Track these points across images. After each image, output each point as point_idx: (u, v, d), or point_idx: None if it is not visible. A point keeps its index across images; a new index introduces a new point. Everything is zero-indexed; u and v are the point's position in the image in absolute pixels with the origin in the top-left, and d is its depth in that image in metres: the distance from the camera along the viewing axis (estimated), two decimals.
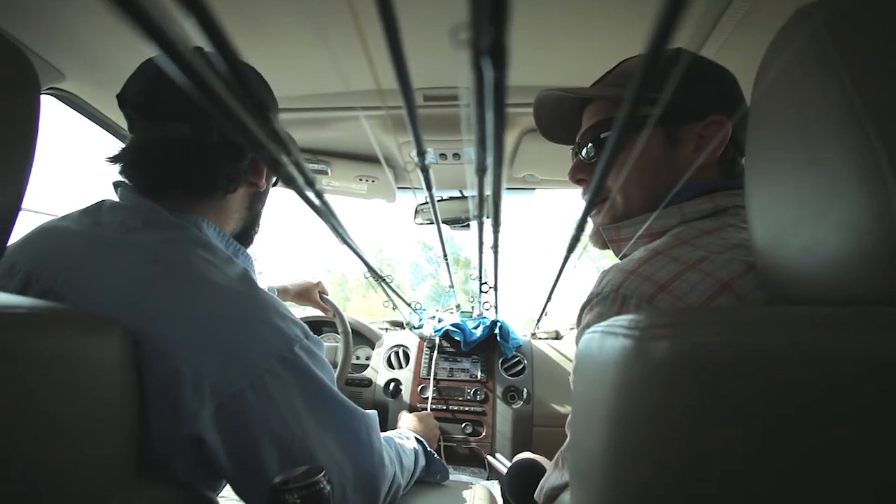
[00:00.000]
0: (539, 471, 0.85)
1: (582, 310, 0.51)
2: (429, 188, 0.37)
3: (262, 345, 0.52)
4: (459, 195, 1.43)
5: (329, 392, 0.57)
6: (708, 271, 0.43)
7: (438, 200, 1.08)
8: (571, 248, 0.47)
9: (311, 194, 0.28)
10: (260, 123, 0.20)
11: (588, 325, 0.48)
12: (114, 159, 0.61)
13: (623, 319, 0.30)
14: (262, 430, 0.51)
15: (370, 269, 0.70)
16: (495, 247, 0.48)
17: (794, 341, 0.25)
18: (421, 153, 0.31)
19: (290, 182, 0.26)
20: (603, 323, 0.32)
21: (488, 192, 0.36)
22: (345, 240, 0.44)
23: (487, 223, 0.46)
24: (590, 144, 0.62)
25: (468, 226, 1.48)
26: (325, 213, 0.33)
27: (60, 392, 0.39)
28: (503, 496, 1.00)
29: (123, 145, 0.62)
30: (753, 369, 0.24)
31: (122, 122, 1.04)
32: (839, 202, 0.28)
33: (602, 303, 0.47)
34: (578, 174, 0.65)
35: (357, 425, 0.61)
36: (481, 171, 0.26)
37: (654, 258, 0.47)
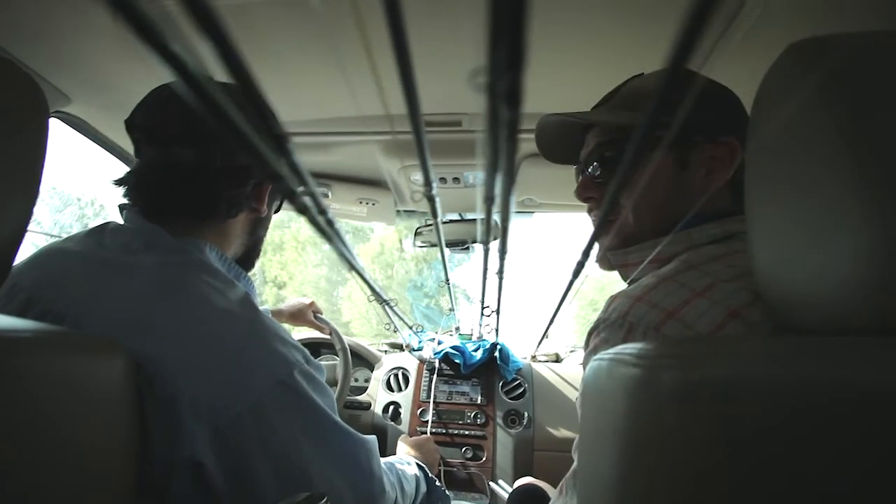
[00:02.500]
0: (542, 497, 0.83)
1: (589, 335, 0.51)
2: (434, 216, 0.38)
3: (261, 369, 0.52)
4: (459, 218, 1.44)
5: (328, 418, 0.56)
6: (716, 300, 0.42)
7: (443, 222, 1.08)
8: (579, 270, 0.47)
9: (321, 222, 0.29)
10: (277, 153, 0.20)
11: (595, 350, 0.47)
12: (119, 182, 0.62)
13: (631, 348, 0.30)
14: (260, 456, 0.51)
15: (375, 293, 0.70)
16: (500, 272, 0.48)
17: (807, 372, 0.25)
18: (428, 183, 0.32)
19: (303, 211, 0.26)
20: (611, 350, 0.32)
21: (494, 217, 0.37)
22: (352, 265, 0.45)
23: (490, 247, 0.46)
24: (595, 164, 0.62)
25: (468, 248, 1.49)
26: (334, 239, 0.33)
27: (61, 415, 0.39)
28: None
29: (128, 168, 0.63)
30: (766, 400, 0.24)
31: (127, 146, 1.06)
32: (842, 230, 0.29)
33: (609, 329, 0.47)
34: (586, 192, 0.64)
35: (357, 451, 0.60)
36: (489, 199, 0.26)
37: (661, 284, 0.46)
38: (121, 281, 0.53)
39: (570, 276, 0.61)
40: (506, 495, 1.00)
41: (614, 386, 0.30)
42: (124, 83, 0.87)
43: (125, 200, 0.62)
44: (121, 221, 0.62)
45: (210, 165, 0.60)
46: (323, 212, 0.27)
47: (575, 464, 0.55)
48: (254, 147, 0.20)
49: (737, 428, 0.24)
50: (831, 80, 0.29)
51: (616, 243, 0.60)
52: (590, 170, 0.62)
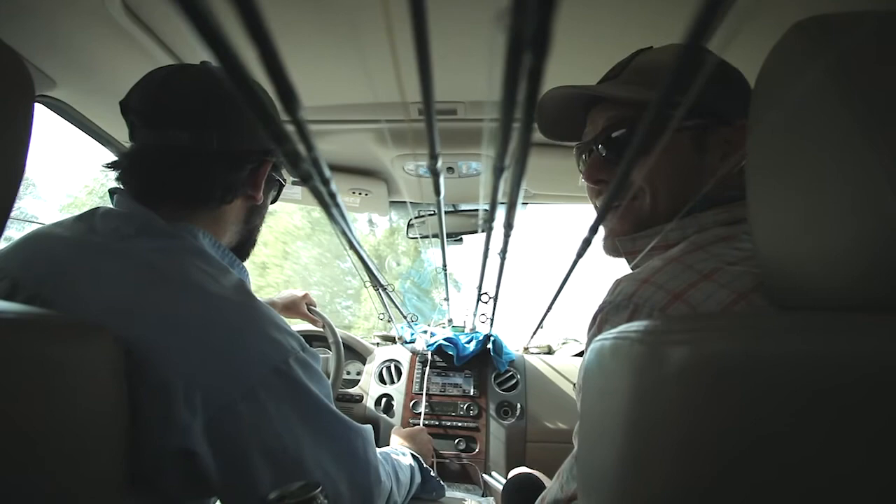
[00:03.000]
0: (537, 485, 0.83)
1: (594, 319, 0.50)
2: (437, 193, 0.37)
3: (256, 356, 0.51)
4: (453, 209, 1.43)
5: (324, 406, 0.56)
6: (722, 283, 0.42)
7: (447, 212, 1.08)
8: (581, 254, 0.47)
9: (324, 192, 0.28)
10: (287, 115, 0.19)
11: (599, 332, 0.47)
12: (112, 166, 0.61)
13: (635, 325, 0.30)
14: (254, 444, 0.50)
15: (372, 276, 0.69)
16: (504, 252, 0.48)
17: (816, 347, 0.25)
18: (434, 156, 0.31)
19: (307, 179, 0.25)
20: (614, 330, 0.32)
21: (482, 210, 0.36)
22: (352, 244, 0.44)
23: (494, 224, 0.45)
24: (606, 143, 0.58)
25: (461, 240, 1.48)
26: (335, 214, 0.32)
27: (46, 401, 0.37)
28: None
29: (112, 154, 0.62)
30: (775, 375, 0.24)
31: (112, 132, 1.04)
32: (847, 210, 0.28)
33: (615, 311, 0.46)
34: (598, 174, 0.60)
35: (353, 439, 0.59)
36: (499, 170, 0.25)
37: (667, 266, 0.46)
38: (111, 266, 0.51)
39: (568, 266, 0.61)
40: (500, 487, 1.00)
41: (619, 364, 0.30)
42: (112, 67, 0.85)
43: (116, 184, 0.61)
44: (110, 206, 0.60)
45: (206, 149, 0.59)
46: (326, 182, 0.26)
47: (571, 454, 0.54)
48: (261, 102, 0.19)
49: (745, 403, 0.24)
50: (837, 60, 0.29)
51: (627, 228, 0.59)
52: (599, 149, 0.59)
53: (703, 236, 0.49)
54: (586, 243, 0.39)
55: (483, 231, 0.43)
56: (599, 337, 0.34)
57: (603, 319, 0.48)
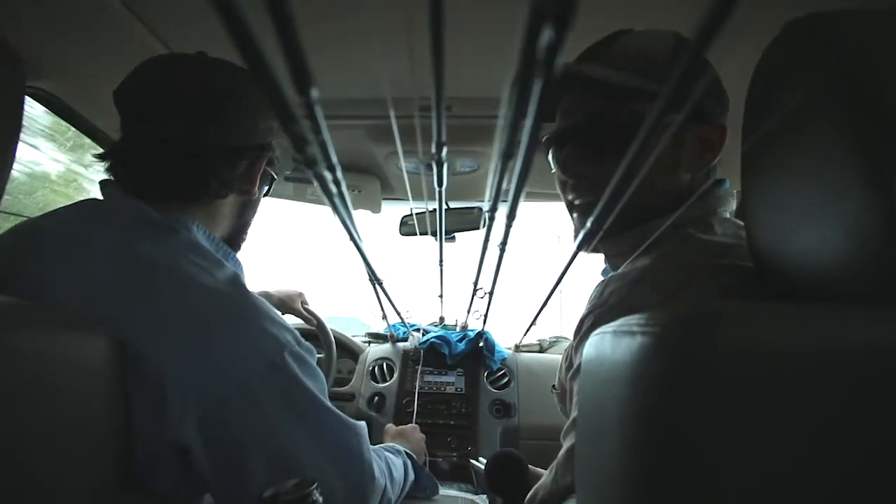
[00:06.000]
0: (518, 459, 0.83)
1: (582, 321, 0.50)
2: (440, 183, 0.37)
3: (250, 350, 0.51)
4: (447, 207, 1.42)
5: (319, 401, 0.55)
6: (713, 278, 0.43)
7: (430, 211, 1.07)
8: (574, 256, 0.47)
9: (328, 178, 0.27)
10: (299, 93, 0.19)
11: (588, 334, 0.47)
12: (103, 157, 0.60)
13: (637, 317, 0.29)
14: (248, 439, 0.49)
15: (369, 268, 0.68)
16: (503, 244, 0.48)
17: (824, 336, 0.25)
18: (439, 144, 0.30)
19: (312, 164, 0.25)
20: (613, 324, 0.32)
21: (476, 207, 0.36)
22: (351, 236, 0.43)
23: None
24: (584, 136, 0.55)
25: (454, 238, 1.48)
26: (339, 204, 0.32)
27: (38, 397, 0.36)
28: (488, 496, 0.98)
29: (99, 147, 0.61)
30: (785, 363, 0.24)
31: (100, 123, 1.01)
32: (842, 203, 0.29)
33: (609, 313, 0.46)
34: (578, 168, 0.56)
35: (348, 436, 0.59)
36: (507, 156, 0.25)
37: (656, 266, 0.46)
38: (103, 259, 0.50)
39: (561, 264, 0.61)
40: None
41: (620, 357, 0.30)
42: (103, 59, 0.83)
43: (106, 176, 0.60)
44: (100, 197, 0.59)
45: (203, 144, 0.58)
46: (332, 168, 0.26)
47: (565, 447, 0.54)
48: (272, 79, 0.18)
49: (752, 391, 0.24)
50: (832, 56, 0.29)
51: (614, 229, 0.55)
52: (581, 140, 0.55)
53: (684, 236, 0.49)
54: (580, 248, 0.39)
55: (484, 224, 0.43)
56: (598, 331, 0.34)
57: (594, 323, 0.48)
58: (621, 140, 0.27)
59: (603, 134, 0.53)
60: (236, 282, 0.55)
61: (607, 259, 0.63)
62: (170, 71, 0.58)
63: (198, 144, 0.58)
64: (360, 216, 1.44)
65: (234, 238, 0.68)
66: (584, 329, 0.49)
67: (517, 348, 1.57)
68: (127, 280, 0.49)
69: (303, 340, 0.57)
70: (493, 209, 0.36)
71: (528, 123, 0.21)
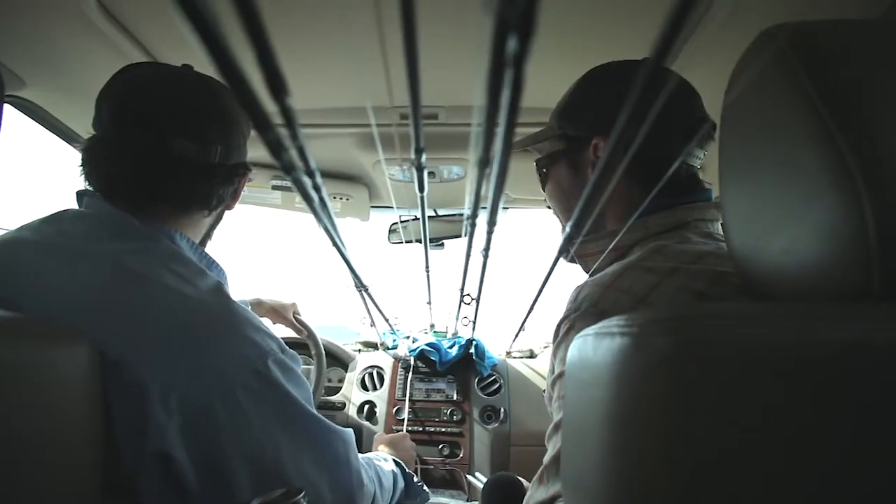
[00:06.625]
0: (517, 484, 0.83)
1: (558, 328, 0.51)
2: (421, 189, 0.37)
3: (234, 357, 0.50)
4: (434, 215, 1.43)
5: (303, 409, 0.55)
6: (682, 283, 0.44)
7: (429, 218, 1.07)
8: (554, 263, 0.48)
9: (307, 184, 0.28)
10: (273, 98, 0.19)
11: (565, 340, 0.48)
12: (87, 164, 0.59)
13: (617, 319, 0.30)
14: (232, 448, 0.49)
15: (354, 274, 0.68)
16: (486, 250, 0.48)
17: (799, 334, 0.25)
18: (418, 150, 0.31)
19: (289, 171, 0.25)
20: (594, 326, 0.32)
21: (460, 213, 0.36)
22: (334, 242, 0.44)
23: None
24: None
25: (442, 245, 1.48)
26: (320, 210, 0.32)
27: (19, 407, 0.36)
28: None
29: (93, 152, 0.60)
30: (761, 362, 0.24)
31: (81, 131, 1.00)
32: (815, 207, 0.30)
33: (582, 319, 0.47)
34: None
35: (334, 443, 0.59)
36: (483, 163, 0.25)
37: (627, 271, 0.48)
38: (83, 269, 0.50)
39: (545, 271, 0.62)
40: (481, 486, 1.00)
41: (601, 359, 0.30)
42: (83, 67, 0.83)
43: (84, 186, 0.59)
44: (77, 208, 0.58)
45: (209, 161, 0.59)
46: (311, 173, 0.26)
47: (550, 453, 0.55)
48: (248, 90, 0.19)
49: (730, 390, 0.25)
50: (804, 65, 0.30)
51: (585, 237, 0.62)
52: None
53: (656, 244, 0.51)
54: (561, 253, 0.40)
55: (466, 232, 0.43)
56: (580, 334, 0.34)
57: (570, 328, 0.48)
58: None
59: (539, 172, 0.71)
60: (219, 290, 0.55)
61: (581, 264, 0.64)
62: (170, 81, 0.59)
63: (206, 161, 0.59)
64: (350, 224, 1.44)
65: (203, 242, 0.69)
66: (561, 334, 0.50)
67: (508, 354, 1.57)
68: (108, 289, 0.49)
69: (287, 348, 0.57)
70: (474, 216, 0.36)
71: (500, 131, 0.21)
